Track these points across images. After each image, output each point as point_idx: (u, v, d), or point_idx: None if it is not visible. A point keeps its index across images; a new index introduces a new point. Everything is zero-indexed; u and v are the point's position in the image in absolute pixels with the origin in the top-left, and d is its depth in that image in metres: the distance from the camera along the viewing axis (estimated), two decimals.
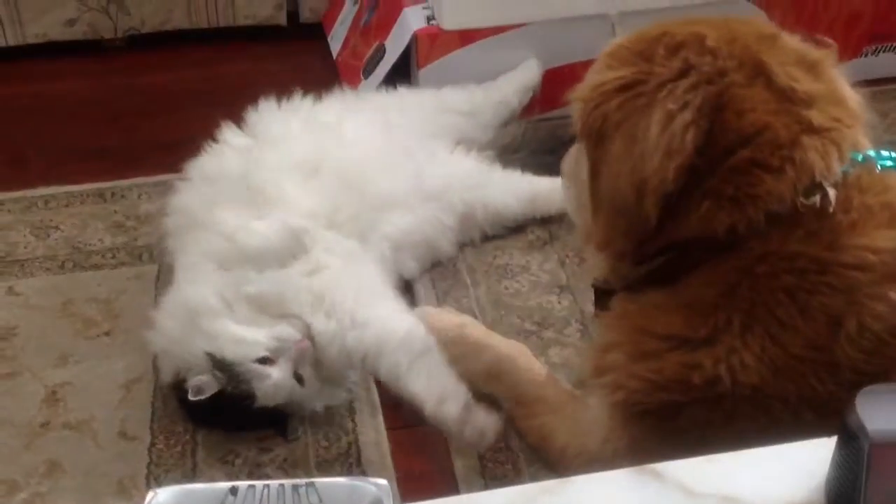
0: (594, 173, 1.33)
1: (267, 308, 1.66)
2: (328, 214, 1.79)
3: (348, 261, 1.74)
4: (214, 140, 1.94)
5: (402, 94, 2.14)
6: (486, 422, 1.55)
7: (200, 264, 1.72)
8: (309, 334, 1.64)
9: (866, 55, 2.42)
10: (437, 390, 1.56)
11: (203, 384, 1.61)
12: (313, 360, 1.65)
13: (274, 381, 1.60)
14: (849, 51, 2.39)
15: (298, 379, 1.63)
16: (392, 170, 1.89)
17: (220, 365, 1.60)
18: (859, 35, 2.39)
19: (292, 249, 1.71)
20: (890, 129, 2.31)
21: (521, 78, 2.22)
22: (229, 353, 1.60)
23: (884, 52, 2.43)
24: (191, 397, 1.61)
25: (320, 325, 1.65)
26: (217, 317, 1.64)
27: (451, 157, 2.02)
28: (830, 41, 1.36)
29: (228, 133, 1.94)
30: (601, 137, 1.30)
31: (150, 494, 0.91)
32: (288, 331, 1.63)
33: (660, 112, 1.25)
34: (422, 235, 1.91)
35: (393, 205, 1.87)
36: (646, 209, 1.26)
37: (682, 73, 1.27)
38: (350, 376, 1.72)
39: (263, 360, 1.60)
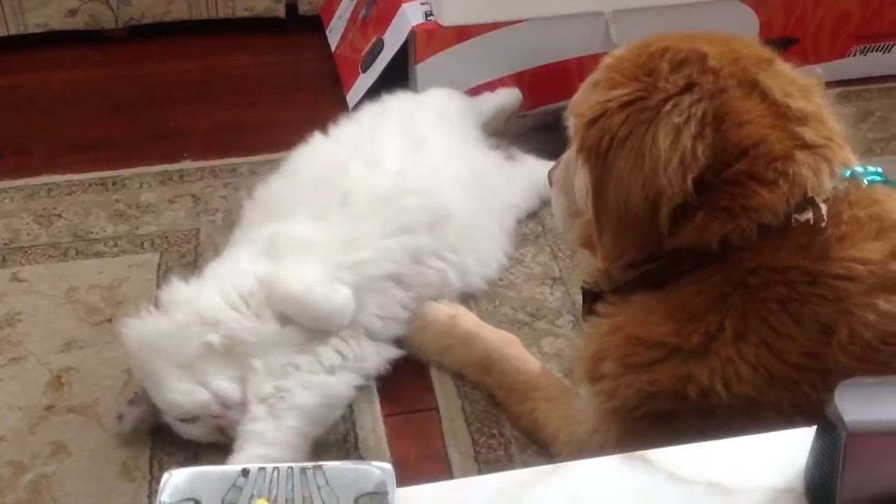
0: (598, 190, 1.32)
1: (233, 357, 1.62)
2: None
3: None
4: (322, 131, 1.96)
5: (430, 96, 2.14)
6: None
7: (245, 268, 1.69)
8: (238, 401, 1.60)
9: (854, 55, 2.46)
10: None
11: (125, 414, 1.64)
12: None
13: (193, 436, 1.62)
14: (837, 50, 2.44)
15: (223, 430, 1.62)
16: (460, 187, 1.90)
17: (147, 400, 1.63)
18: (847, 35, 2.43)
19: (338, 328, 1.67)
20: (875, 127, 2.35)
21: (500, 100, 2.22)
22: (155, 400, 1.61)
23: (871, 52, 2.46)
24: (116, 427, 1.64)
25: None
26: (168, 359, 1.60)
27: (490, 160, 2.04)
28: (819, 70, 1.39)
29: (337, 131, 1.96)
30: (604, 153, 1.30)
31: (165, 476, 0.94)
32: (207, 401, 1.58)
33: (666, 125, 1.26)
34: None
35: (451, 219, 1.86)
36: (660, 221, 1.28)
37: (686, 89, 1.28)
38: None
39: (183, 418, 1.61)
